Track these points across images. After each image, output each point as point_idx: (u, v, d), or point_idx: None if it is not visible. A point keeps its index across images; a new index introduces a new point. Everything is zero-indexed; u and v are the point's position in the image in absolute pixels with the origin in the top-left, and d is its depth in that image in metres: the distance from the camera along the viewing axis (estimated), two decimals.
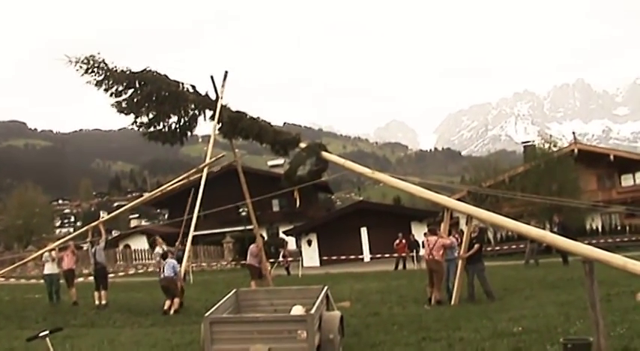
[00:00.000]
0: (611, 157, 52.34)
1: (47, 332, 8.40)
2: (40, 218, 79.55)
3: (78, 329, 15.41)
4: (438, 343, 10.83)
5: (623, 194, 50.43)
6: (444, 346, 10.63)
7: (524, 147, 58.10)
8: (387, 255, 40.94)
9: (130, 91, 18.28)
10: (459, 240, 18.87)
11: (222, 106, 18.71)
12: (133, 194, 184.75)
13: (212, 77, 19.25)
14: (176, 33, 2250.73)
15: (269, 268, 23.57)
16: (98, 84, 18.17)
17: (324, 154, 18.01)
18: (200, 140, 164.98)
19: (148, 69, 18.55)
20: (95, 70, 18.05)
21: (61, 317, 17.95)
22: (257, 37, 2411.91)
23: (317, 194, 73.97)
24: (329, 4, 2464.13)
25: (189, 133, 19.32)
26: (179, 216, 25.10)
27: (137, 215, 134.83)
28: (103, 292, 20.27)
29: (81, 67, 17.97)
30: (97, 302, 20.16)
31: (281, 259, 40.18)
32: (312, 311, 9.51)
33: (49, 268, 21.71)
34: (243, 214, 45.38)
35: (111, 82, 18.12)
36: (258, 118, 18.78)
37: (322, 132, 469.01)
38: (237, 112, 18.71)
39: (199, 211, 19.59)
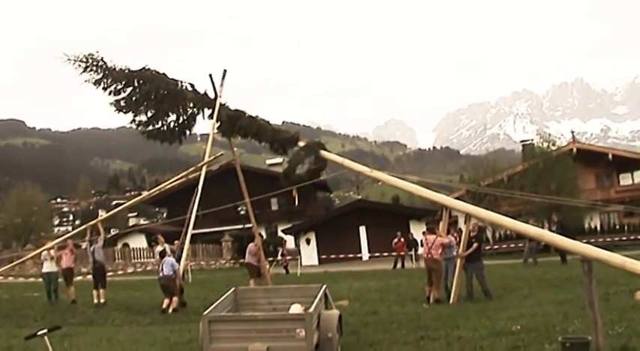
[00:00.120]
0: (610, 156, 52.39)
1: (46, 331, 8.40)
2: (39, 217, 79.67)
3: (76, 328, 15.40)
4: (437, 342, 10.83)
5: (622, 193, 50.47)
6: (442, 344, 10.63)
7: (523, 146, 58.14)
8: (385, 254, 40.93)
9: (129, 89, 18.28)
10: (458, 239, 18.90)
11: (220, 104, 18.72)
12: (132, 193, 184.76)
13: (211, 76, 19.27)
14: (175, 33, 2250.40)
15: (268, 266, 23.58)
16: (97, 82, 18.17)
17: (323, 152, 18.02)
18: (199, 139, 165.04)
19: (146, 67, 18.56)
20: (94, 68, 18.04)
21: (60, 316, 17.94)
22: (256, 36, 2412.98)
23: (316, 193, 73.98)
24: (328, 3, 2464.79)
25: (187, 132, 19.33)
26: (178, 214, 25.14)
27: (136, 214, 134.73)
28: (101, 291, 20.27)
29: (80, 65, 17.97)
30: (95, 301, 20.16)
31: (279, 257, 40.17)
32: (311, 310, 9.51)
33: (48, 267, 21.69)
34: (242, 212, 45.39)
35: (109, 81, 18.12)
36: (257, 116, 18.79)
37: (321, 131, 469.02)
38: (236, 110, 18.71)
39: (198, 210, 19.60)
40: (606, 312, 11.17)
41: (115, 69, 18.17)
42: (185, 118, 18.84)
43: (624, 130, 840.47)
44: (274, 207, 65.09)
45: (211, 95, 19.03)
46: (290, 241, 55.76)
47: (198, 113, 18.97)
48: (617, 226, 46.02)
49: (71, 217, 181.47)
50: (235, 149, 20.93)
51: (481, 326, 12.05)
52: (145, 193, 37.42)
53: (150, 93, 18.13)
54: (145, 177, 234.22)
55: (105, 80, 18.14)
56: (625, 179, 56.53)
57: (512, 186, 41.63)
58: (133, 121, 18.76)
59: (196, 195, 19.52)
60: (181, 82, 18.78)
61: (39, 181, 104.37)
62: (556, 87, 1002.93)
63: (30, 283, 33.28)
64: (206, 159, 20.42)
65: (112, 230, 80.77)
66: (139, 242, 58.76)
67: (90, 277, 22.74)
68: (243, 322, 9.58)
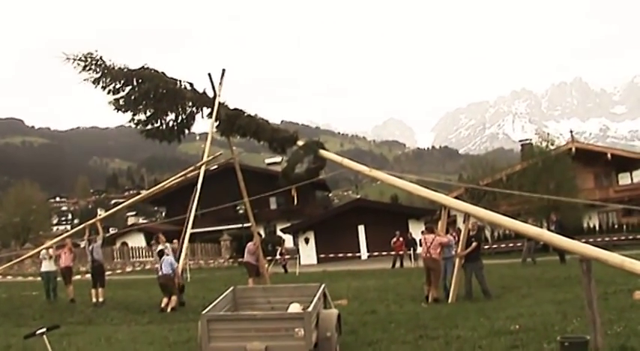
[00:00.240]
0: (609, 155, 52.42)
1: (44, 330, 8.41)
2: (38, 216, 79.68)
3: (75, 327, 15.41)
4: (436, 341, 10.84)
5: (621, 193, 50.48)
6: (441, 344, 10.63)
7: (522, 145, 58.17)
8: (384, 253, 40.97)
9: (128, 88, 18.26)
10: (457, 238, 18.90)
11: (219, 103, 18.70)
12: (131, 192, 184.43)
13: (210, 75, 19.26)
14: (174, 33, 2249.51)
15: (266, 265, 23.58)
16: (96, 81, 18.15)
17: (322, 152, 18.00)
18: (198, 138, 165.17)
19: (145, 66, 18.54)
20: (93, 67, 18.03)
21: (59, 315, 17.95)
22: (255, 35, 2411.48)
23: (314, 192, 74.05)
24: (327, 2, 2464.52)
25: (186, 131, 19.31)
26: (177, 214, 25.15)
27: (134, 213, 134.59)
28: (100, 290, 20.26)
29: (79, 64, 17.95)
30: (94, 300, 20.15)
31: (278, 256, 40.18)
32: (310, 309, 9.52)
33: (47, 266, 21.69)
34: (241, 211, 45.40)
35: (108, 80, 18.11)
36: (256, 115, 18.78)
37: (320, 130, 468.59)
38: (235, 109, 18.70)
39: (197, 209, 19.59)
40: (605, 311, 11.18)
41: (113, 68, 18.16)
42: (184, 117, 18.82)
43: (623, 129, 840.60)
44: (273, 206, 65.13)
45: (210, 94, 19.01)
46: (289, 241, 55.78)
47: (197, 112, 18.95)
48: (616, 226, 46.07)
49: (70, 216, 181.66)
50: (234, 148, 20.91)
51: (480, 325, 12.05)
52: (143, 192, 37.42)
53: (149, 92, 18.12)
54: (144, 176, 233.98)
55: (104, 79, 18.12)
56: (624, 179, 56.60)
57: (511, 185, 41.68)
58: (132, 120, 18.74)
59: (195, 194, 19.51)
60: (180, 81, 18.76)
61: (38, 180, 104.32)
62: (555, 86, 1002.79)
63: (29, 282, 33.26)
64: (205, 158, 20.40)
65: (110, 229, 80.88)
66: (137, 241, 58.78)
67: (89, 276, 22.73)
68: (241, 321, 9.59)
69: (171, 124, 18.84)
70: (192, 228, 19.42)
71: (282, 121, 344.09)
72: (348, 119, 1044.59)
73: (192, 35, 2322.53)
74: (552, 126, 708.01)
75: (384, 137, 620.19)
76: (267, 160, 77.86)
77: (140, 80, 18.24)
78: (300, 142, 18.39)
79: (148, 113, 18.56)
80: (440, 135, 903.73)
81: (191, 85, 18.92)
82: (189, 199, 19.70)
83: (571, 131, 56.54)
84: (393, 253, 37.26)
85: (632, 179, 56.75)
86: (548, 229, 25.64)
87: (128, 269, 45.46)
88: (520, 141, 62.49)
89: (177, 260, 19.32)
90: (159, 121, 18.72)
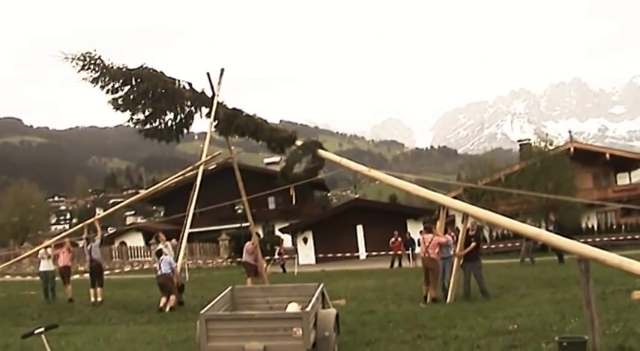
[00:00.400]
0: (607, 155, 52.42)
1: (42, 329, 8.39)
2: (36, 215, 79.71)
3: (73, 326, 15.42)
4: (434, 341, 10.84)
5: (619, 193, 50.51)
6: (439, 343, 10.64)
7: (521, 145, 58.16)
8: (382, 253, 40.98)
9: (126, 88, 18.24)
10: (455, 238, 18.91)
11: (218, 103, 18.68)
12: (129, 191, 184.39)
13: (208, 74, 19.24)
14: (173, 32, 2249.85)
15: (265, 265, 23.58)
16: (94, 81, 18.12)
17: (320, 151, 17.99)
18: (196, 137, 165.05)
19: (144, 66, 18.52)
20: (91, 66, 18.00)
21: (57, 314, 17.95)
22: (255, 35, 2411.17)
23: (313, 192, 74.00)
24: (326, 2, 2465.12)
25: (185, 131, 19.28)
26: (175, 213, 25.15)
27: (133, 212, 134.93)
28: (98, 289, 20.26)
29: (77, 63, 17.92)
30: (92, 299, 20.14)
31: (277, 256, 40.20)
32: (308, 309, 9.51)
33: (45, 265, 21.68)
34: (239, 211, 45.48)
35: (107, 79, 18.08)
36: (255, 115, 18.75)
37: (318, 130, 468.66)
38: (234, 109, 18.68)
39: (195, 209, 19.59)
40: (603, 311, 11.18)
41: (112, 67, 18.14)
42: (182, 116, 18.80)
43: (622, 129, 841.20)
44: (271, 206, 65.09)
45: (209, 94, 19.00)
46: (287, 240, 55.79)
47: (195, 112, 18.93)
48: (615, 226, 46.15)
49: (68, 216, 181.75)
50: (233, 148, 20.89)
51: (478, 325, 12.06)
52: (142, 192, 37.41)
53: (147, 91, 18.10)
54: (143, 175, 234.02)
55: (102, 78, 18.10)
56: (622, 179, 56.62)
57: (509, 186, 41.69)
58: (131, 119, 18.72)
59: (194, 194, 19.51)
60: (179, 80, 18.74)
61: (36, 180, 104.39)
62: (554, 86, 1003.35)
63: (27, 281, 33.27)
64: (203, 158, 20.40)
65: (109, 229, 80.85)
66: (136, 241, 58.81)
67: (87, 275, 22.73)
68: (240, 321, 9.59)
69: (169, 123, 18.82)
70: (191, 227, 19.45)
71: (280, 121, 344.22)
72: (346, 119, 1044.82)
73: (191, 35, 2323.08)
74: (551, 126, 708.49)
75: (383, 137, 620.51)
76: (266, 160, 77.86)
77: (139, 80, 18.22)
78: (299, 142, 18.37)
79: (147, 113, 18.54)
80: (438, 135, 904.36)
81: (190, 84, 18.90)
82: (187, 199, 19.72)
83: (570, 131, 56.67)
84: (391, 252, 37.27)
85: (630, 179, 56.80)
86: (547, 229, 25.64)
87: (126, 269, 45.48)
88: (519, 141, 62.52)
89: (177, 257, 19.35)
90: (157, 120, 18.70)
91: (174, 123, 18.89)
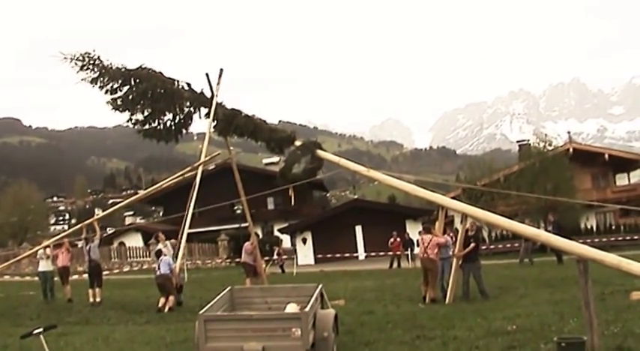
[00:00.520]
0: (606, 156, 52.47)
1: (41, 330, 8.38)
2: (35, 215, 79.67)
3: (72, 326, 15.42)
4: (433, 342, 10.85)
5: (618, 193, 50.54)
6: (438, 344, 10.64)
7: (520, 146, 58.20)
8: (381, 253, 40.99)
9: (125, 88, 18.23)
10: (454, 238, 18.91)
11: (217, 103, 18.67)
12: (128, 192, 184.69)
13: (207, 75, 19.23)
14: (172, 32, 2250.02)
15: (264, 266, 23.59)
16: (93, 81, 18.11)
17: (319, 152, 17.98)
18: (195, 138, 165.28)
19: (143, 66, 18.52)
20: (90, 67, 17.99)
21: (56, 314, 17.95)
22: (254, 35, 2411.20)
23: (312, 192, 74.02)
24: (325, 2, 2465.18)
25: (184, 131, 19.27)
26: (174, 213, 25.11)
27: (132, 213, 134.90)
28: (97, 290, 20.25)
29: (76, 64, 17.92)
30: (91, 300, 20.13)
31: (276, 257, 40.22)
32: (307, 309, 9.52)
33: (44, 266, 21.67)
34: (238, 211, 45.48)
35: (106, 80, 18.07)
36: (254, 115, 18.75)
37: (317, 130, 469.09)
38: (233, 109, 18.67)
39: (194, 209, 19.59)
40: (602, 312, 11.19)
41: (111, 68, 18.12)
42: (181, 117, 18.79)
43: (621, 130, 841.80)
44: (270, 206, 65.10)
45: (208, 94, 18.99)
46: (286, 241, 55.90)
47: (194, 112, 18.91)
48: (614, 227, 46.17)
49: (67, 216, 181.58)
50: (232, 148, 20.89)
51: (477, 326, 12.06)
52: (141, 192, 37.42)
53: (146, 92, 18.09)
54: (142, 176, 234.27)
55: (101, 79, 18.08)
56: (621, 179, 56.64)
57: (508, 186, 41.76)
58: (130, 119, 18.70)
59: (193, 194, 19.51)
60: (178, 81, 18.73)
61: (35, 180, 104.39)
62: (553, 87, 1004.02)
63: (26, 281, 33.27)
64: (202, 158, 20.40)
65: (108, 229, 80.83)
66: (135, 241, 58.79)
67: (86, 275, 22.71)
68: (238, 322, 9.59)
69: (168, 124, 18.81)
70: (190, 228, 19.44)
71: (279, 121, 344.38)
72: (345, 119, 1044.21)
73: (189, 34, 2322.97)
74: (550, 126, 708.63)
75: (382, 137, 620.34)
76: (265, 160, 77.88)
77: (138, 80, 18.21)
78: (298, 143, 18.36)
79: (146, 113, 18.53)
80: (437, 135, 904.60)
81: (189, 85, 18.89)
82: (186, 199, 19.71)
83: (569, 132, 56.63)
84: (390, 253, 37.29)
85: (629, 180, 56.85)
86: (546, 230, 25.65)
87: (125, 269, 45.47)
88: (518, 141, 62.57)
89: (176, 257, 19.35)
90: (156, 121, 18.68)
91: (173, 123, 18.87)
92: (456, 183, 64.86)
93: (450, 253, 17.93)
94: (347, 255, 46.77)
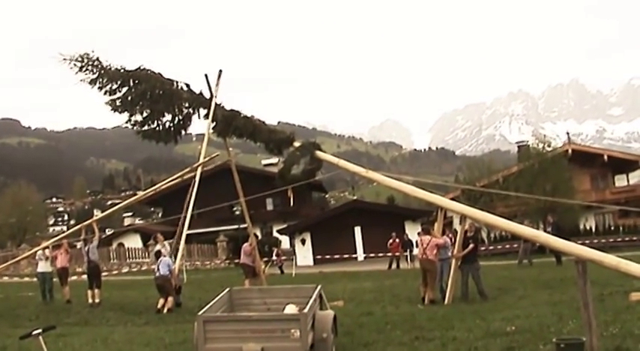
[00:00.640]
0: (605, 157, 52.46)
1: (40, 331, 8.37)
2: (34, 216, 79.70)
3: (71, 327, 15.40)
4: (432, 343, 10.84)
5: (617, 194, 50.55)
6: (437, 345, 10.64)
7: (519, 147, 58.20)
8: (380, 254, 41.00)
9: (124, 89, 18.21)
10: (453, 239, 18.91)
11: (216, 104, 18.66)
12: (127, 193, 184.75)
13: (206, 76, 19.21)
14: (167, 29, 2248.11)
15: (263, 267, 23.56)
16: (92, 82, 18.09)
17: (318, 153, 17.96)
18: (194, 139, 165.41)
19: (142, 67, 18.51)
20: (89, 68, 17.97)
21: (54, 315, 17.94)
22: (253, 36, 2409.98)
23: (311, 193, 73.99)
24: (324, 3, 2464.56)
25: (183, 132, 19.24)
26: (173, 214, 25.09)
27: (131, 213, 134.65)
28: (96, 291, 20.25)
29: (75, 65, 17.90)
30: (90, 300, 20.13)
31: (275, 258, 40.22)
32: (306, 310, 9.51)
33: (43, 267, 21.65)
34: (237, 212, 45.48)
35: (105, 81, 18.04)
36: (253, 116, 18.73)
37: (316, 131, 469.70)
38: (232, 110, 18.66)
39: (193, 210, 19.57)
40: (601, 313, 11.19)
41: (110, 69, 18.10)
42: (180, 118, 18.76)
43: (619, 131, 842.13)
44: (269, 207, 65.06)
45: (207, 95, 18.99)
46: (285, 242, 55.90)
47: (193, 113, 18.89)
48: (612, 228, 46.17)
49: (66, 217, 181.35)
50: (231, 149, 20.86)
51: (476, 327, 12.06)
52: (140, 193, 37.39)
53: (145, 93, 18.07)
54: (141, 177, 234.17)
55: (100, 80, 18.06)
56: (620, 180, 56.64)
57: (507, 187, 41.73)
58: (129, 120, 18.68)
59: (191, 195, 19.50)
60: (177, 82, 18.71)
61: (34, 181, 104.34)
62: (551, 88, 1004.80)
63: (24, 282, 33.24)
64: (201, 159, 20.36)
65: (107, 230, 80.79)
66: (134, 242, 58.76)
67: (85, 276, 22.70)
68: (237, 323, 9.58)
69: (167, 125, 18.78)
70: (189, 229, 19.42)
71: (278, 122, 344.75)
72: (344, 120, 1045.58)
73: (189, 34, 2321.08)
74: (549, 127, 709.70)
75: (381, 138, 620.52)
76: (264, 161, 77.92)
77: (137, 81, 18.19)
78: (297, 144, 18.35)
79: (145, 114, 18.50)
80: (436, 136, 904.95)
81: (188, 86, 18.87)
82: (185, 200, 19.70)
83: (567, 133, 56.52)
84: (389, 254, 37.32)
85: (628, 181, 56.85)
86: (545, 231, 25.68)
87: (124, 270, 45.46)
88: (517, 142, 62.57)
89: (174, 257, 19.32)
90: (155, 122, 18.66)
91: (172, 124, 18.85)
92: (455, 184, 64.81)
93: (449, 254, 17.92)
94: (346, 256, 46.76)
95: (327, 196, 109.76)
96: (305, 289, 11.72)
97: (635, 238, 40.51)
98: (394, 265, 36.39)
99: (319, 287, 11.21)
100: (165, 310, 17.83)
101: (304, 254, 51.21)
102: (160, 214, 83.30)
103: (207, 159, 20.93)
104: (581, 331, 9.02)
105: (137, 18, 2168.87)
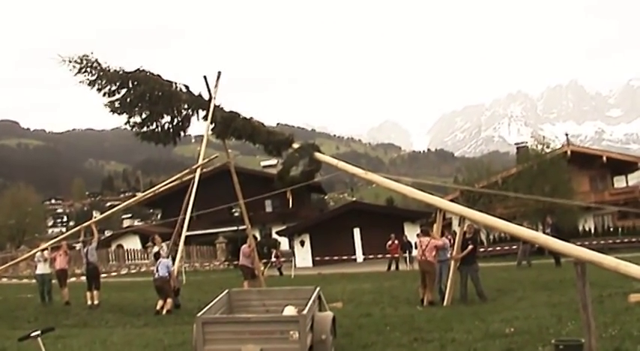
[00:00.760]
0: (604, 158, 52.47)
1: (39, 332, 8.37)
2: (33, 218, 79.56)
3: (70, 329, 15.39)
4: (430, 344, 10.84)
5: (616, 196, 50.56)
6: (436, 347, 10.64)
7: (517, 148, 58.22)
8: (379, 256, 40.97)
9: (123, 90, 18.22)
10: (452, 241, 18.90)
11: (215, 106, 18.68)
12: (126, 194, 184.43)
13: (205, 77, 19.22)
14: (166, 29, 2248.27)
15: (262, 268, 23.56)
16: (91, 84, 18.11)
17: (317, 154, 17.99)
18: (193, 140, 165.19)
19: (141, 69, 18.52)
20: (88, 69, 17.99)
21: (53, 317, 17.93)
22: (251, 35, 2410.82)
23: (310, 195, 74.01)
24: (323, 5, 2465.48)
25: (182, 134, 19.26)
26: (172, 216, 25.06)
27: (130, 215, 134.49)
28: (95, 292, 20.24)
29: (74, 66, 17.91)
30: (89, 302, 20.12)
31: (274, 259, 40.21)
32: (305, 312, 9.51)
33: (42, 268, 21.63)
34: (236, 214, 45.39)
35: (104, 82, 18.06)
36: (251, 118, 18.75)
37: (315, 132, 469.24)
38: (230, 112, 18.68)
39: (192, 211, 19.56)
40: (600, 314, 11.20)
41: (109, 70, 18.12)
42: (179, 119, 18.79)
43: (618, 132, 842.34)
44: (268, 209, 65.06)
45: (206, 97, 18.99)
46: (284, 243, 55.88)
47: (192, 115, 18.91)
48: (612, 229, 46.17)
49: (65, 219, 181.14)
50: (230, 151, 20.89)
51: (475, 328, 12.05)
52: (139, 195, 37.39)
53: (144, 94, 18.09)
54: (140, 178, 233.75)
55: (99, 81, 18.08)
56: (619, 182, 56.66)
57: (506, 189, 41.71)
58: (128, 122, 18.70)
59: (190, 196, 19.49)
60: (176, 83, 18.73)
61: (33, 182, 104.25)
62: (550, 89, 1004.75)
63: (23, 284, 33.25)
64: (200, 161, 20.36)
65: (106, 231, 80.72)
66: (133, 243, 58.74)
67: (83, 278, 22.68)
68: (236, 324, 9.57)
69: (166, 126, 18.80)
70: (188, 230, 19.41)
71: (277, 124, 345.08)
72: (343, 122, 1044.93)
73: (189, 34, 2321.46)
74: (548, 129, 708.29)
75: (380, 140, 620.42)
76: (263, 163, 78.00)
77: (136, 83, 18.21)
78: (296, 145, 18.38)
79: (144, 115, 18.52)
80: (436, 138, 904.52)
81: (186, 87, 18.89)
82: (184, 202, 19.69)
83: (566, 134, 56.52)
84: (388, 255, 37.31)
85: (627, 182, 56.86)
86: (544, 232, 25.69)
87: (123, 272, 45.44)
88: (516, 144, 62.55)
89: (172, 259, 19.31)
90: (154, 123, 18.68)
91: (171, 126, 18.87)
92: (454, 185, 64.73)
93: (448, 255, 17.90)
94: (345, 257, 46.72)
95: (326, 197, 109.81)
96: (304, 290, 11.71)
97: (634, 240, 40.52)
98: (393, 267, 36.39)
99: (318, 289, 11.21)
100: (164, 312, 17.82)
101: (303, 256, 51.18)
102: (159, 216, 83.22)
103: (206, 160, 20.93)
104: (580, 333, 9.01)
105: (137, 18, 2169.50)
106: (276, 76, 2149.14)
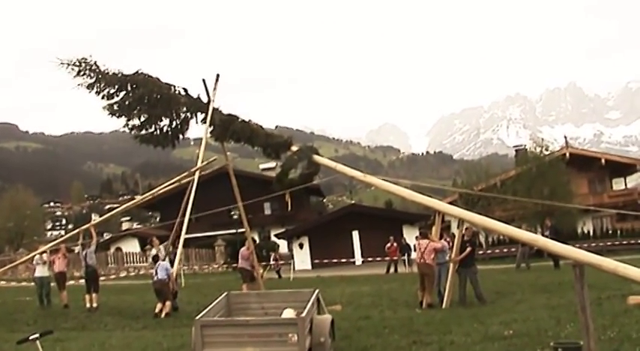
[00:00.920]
0: (603, 161, 52.57)
1: (38, 335, 8.37)
2: (32, 221, 79.47)
3: (69, 332, 15.37)
4: (429, 347, 10.84)
5: (615, 198, 50.63)
6: (434, 349, 10.64)
7: (516, 151, 58.29)
8: (378, 258, 40.96)
9: (122, 93, 18.25)
10: (450, 243, 18.91)
11: (213, 109, 18.71)
12: (125, 197, 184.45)
13: (204, 80, 19.25)
14: (165, 30, 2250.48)
15: (260, 271, 23.55)
16: (90, 86, 18.13)
17: (316, 157, 18.01)
18: (192, 143, 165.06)
19: (139, 72, 18.54)
20: (87, 72, 18.01)
21: (52, 320, 17.92)
22: (251, 39, 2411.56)
23: (308, 197, 74.03)
24: (323, 7, 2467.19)
25: (181, 136, 19.30)
26: (171, 219, 25.05)
27: (129, 218, 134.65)
28: (94, 295, 20.21)
29: (73, 69, 17.93)
30: (87, 305, 20.10)
31: (272, 262, 40.21)
32: (303, 315, 9.51)
33: (40, 271, 21.61)
34: (235, 217, 45.47)
35: (102, 85, 18.09)
36: (250, 121, 18.78)
37: (314, 135, 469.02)
38: (229, 115, 18.70)
39: (191, 214, 19.56)
40: (598, 317, 11.20)
41: (107, 73, 18.14)
42: (178, 122, 18.81)
43: (617, 135, 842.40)
44: (267, 211, 65.08)
45: (204, 99, 19.01)
46: (283, 246, 55.86)
47: (191, 117, 18.95)
48: (610, 231, 46.13)
49: (64, 221, 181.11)
50: (228, 153, 20.92)
51: (473, 331, 12.05)
52: (138, 198, 37.37)
53: (143, 97, 18.11)
54: (138, 181, 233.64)
55: (98, 84, 18.11)
56: (618, 184, 56.73)
57: (505, 191, 41.71)
58: (127, 125, 18.73)
59: (188, 199, 19.50)
60: (174, 86, 18.76)
61: (32, 185, 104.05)
62: (549, 92, 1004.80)
63: (22, 287, 33.20)
64: (199, 163, 20.38)
65: (104, 234, 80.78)
66: (131, 246, 58.78)
67: (82, 281, 22.67)
68: (235, 327, 9.57)
69: (165, 129, 18.83)
70: (187, 233, 19.41)
71: (276, 127, 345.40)
72: (342, 124, 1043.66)
73: (189, 34, 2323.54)
74: (546, 131, 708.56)
75: (379, 142, 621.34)
76: (262, 166, 77.96)
77: (134, 85, 18.24)
78: (294, 148, 18.41)
79: (142, 118, 18.55)
80: (434, 140, 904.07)
81: (185, 90, 18.92)
82: (183, 204, 19.69)
83: (565, 136, 56.59)
84: (387, 258, 37.29)
85: (626, 184, 56.93)
86: (543, 235, 25.70)
87: (122, 274, 45.41)
88: (514, 146, 62.65)
89: (170, 262, 19.30)
90: (153, 126, 18.71)
91: (169, 129, 18.90)
92: (453, 188, 64.76)
93: (447, 258, 17.91)
94: (344, 260, 46.70)
95: (324, 200, 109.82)
96: (303, 293, 11.71)
97: (632, 242, 40.50)
98: (392, 269, 36.35)
99: (317, 291, 11.20)
100: (163, 315, 17.81)
101: (302, 258, 51.15)
102: (157, 219, 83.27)
103: (204, 163, 20.96)
104: (579, 335, 9.01)
105: (137, 18, 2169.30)
106: (275, 78, 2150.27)
